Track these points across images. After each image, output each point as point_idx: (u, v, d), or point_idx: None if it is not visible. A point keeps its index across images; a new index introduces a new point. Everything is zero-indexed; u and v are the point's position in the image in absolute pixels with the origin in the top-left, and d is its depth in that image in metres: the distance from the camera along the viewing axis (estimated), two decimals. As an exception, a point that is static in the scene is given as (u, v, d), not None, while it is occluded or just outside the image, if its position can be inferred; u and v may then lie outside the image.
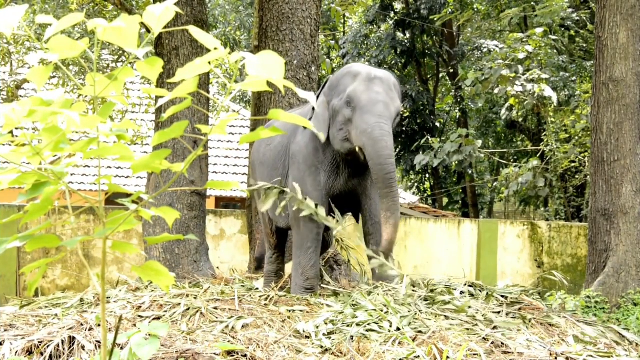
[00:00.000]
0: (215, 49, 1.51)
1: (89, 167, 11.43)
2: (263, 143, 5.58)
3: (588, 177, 10.06)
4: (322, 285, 5.23)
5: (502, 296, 4.91)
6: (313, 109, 5.06)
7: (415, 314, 4.29)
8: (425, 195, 18.62)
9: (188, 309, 4.28)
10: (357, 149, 4.78)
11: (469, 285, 5.13)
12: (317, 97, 5.09)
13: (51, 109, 1.53)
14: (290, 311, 4.41)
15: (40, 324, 4.16)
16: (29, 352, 3.60)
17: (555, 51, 12.48)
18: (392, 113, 4.82)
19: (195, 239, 6.01)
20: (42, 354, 3.56)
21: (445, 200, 18.37)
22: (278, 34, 6.54)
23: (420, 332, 4.01)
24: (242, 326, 4.05)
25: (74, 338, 3.65)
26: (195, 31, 1.53)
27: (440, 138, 13.47)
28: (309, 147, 5.10)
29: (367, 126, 4.70)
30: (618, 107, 6.64)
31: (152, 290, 4.94)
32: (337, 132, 4.92)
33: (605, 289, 6.42)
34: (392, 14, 15.89)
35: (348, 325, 4.03)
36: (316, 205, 5.03)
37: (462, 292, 4.95)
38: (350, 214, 5.49)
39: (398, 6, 16.43)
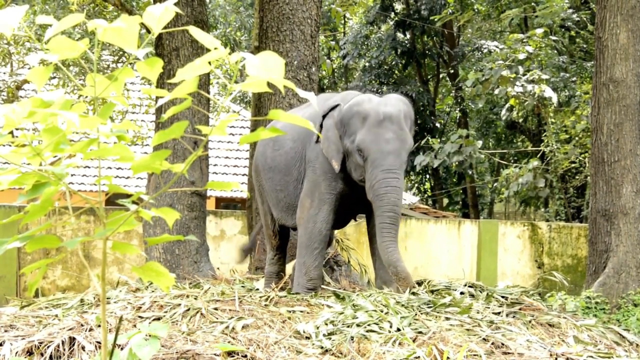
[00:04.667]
0: (216, 48, 1.51)
1: (89, 167, 11.42)
2: (269, 148, 5.54)
3: (588, 177, 10.05)
4: (323, 286, 5.23)
5: (503, 297, 4.91)
6: (321, 125, 5.05)
7: (416, 314, 4.29)
8: (426, 195, 18.62)
9: (188, 309, 4.28)
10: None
11: (469, 286, 5.14)
12: (326, 115, 5.09)
13: (51, 110, 1.53)
14: (290, 312, 4.41)
15: (40, 324, 4.16)
16: (29, 352, 3.60)
17: (555, 52, 12.48)
18: (404, 158, 4.88)
19: (196, 240, 6.01)
20: (42, 354, 3.56)
21: (445, 201, 18.37)
22: (278, 35, 6.54)
23: (420, 332, 4.01)
24: (243, 327, 4.05)
25: (74, 339, 3.65)
26: (195, 32, 1.53)
27: (441, 139, 13.47)
28: None
29: (375, 182, 4.78)
30: (618, 108, 6.63)
31: (153, 291, 4.94)
32: (354, 171, 5.00)
33: (606, 290, 6.42)
34: (392, 15, 15.89)
35: (348, 326, 4.03)
36: (327, 208, 5.06)
37: (462, 293, 4.95)
38: (363, 215, 5.51)
39: (398, 7, 16.42)
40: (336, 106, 5.07)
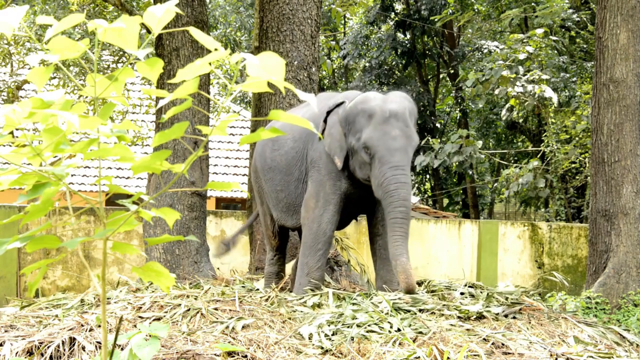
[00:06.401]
0: (216, 49, 1.51)
1: (89, 167, 11.43)
2: (268, 148, 5.53)
3: (588, 178, 10.05)
4: (322, 287, 5.23)
5: (503, 297, 4.91)
6: (325, 121, 5.05)
7: (415, 314, 4.29)
8: (426, 196, 18.62)
9: (188, 309, 4.28)
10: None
11: (470, 286, 5.14)
12: (330, 112, 5.07)
13: (51, 111, 1.53)
14: (290, 312, 4.42)
15: (40, 324, 4.17)
16: (30, 352, 3.60)
17: (555, 52, 12.48)
18: (410, 155, 4.86)
19: (196, 240, 6.00)
20: (42, 354, 3.56)
21: (445, 201, 18.37)
22: (278, 35, 6.54)
23: (420, 332, 4.01)
24: (243, 327, 4.05)
25: (74, 339, 3.66)
26: (195, 32, 1.53)
27: (441, 139, 13.47)
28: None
29: (384, 179, 4.74)
30: (618, 108, 6.63)
31: (153, 291, 4.94)
32: (358, 168, 4.96)
33: (606, 290, 6.41)
34: (392, 15, 15.89)
35: (348, 327, 4.03)
36: (332, 209, 5.05)
37: (462, 293, 4.95)
38: (364, 215, 5.50)
39: (398, 7, 16.42)
40: (341, 103, 5.06)
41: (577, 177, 11.36)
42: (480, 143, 11.08)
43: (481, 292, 5.02)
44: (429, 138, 11.78)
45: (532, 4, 12.22)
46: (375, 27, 16.24)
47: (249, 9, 15.90)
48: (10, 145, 1.71)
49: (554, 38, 12.03)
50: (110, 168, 11.37)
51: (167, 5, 1.51)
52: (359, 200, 5.18)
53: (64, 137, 1.61)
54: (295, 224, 5.44)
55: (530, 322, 4.45)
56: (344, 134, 4.96)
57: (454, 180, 17.78)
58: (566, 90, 11.67)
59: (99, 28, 1.52)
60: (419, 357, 3.53)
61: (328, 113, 5.06)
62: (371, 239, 5.30)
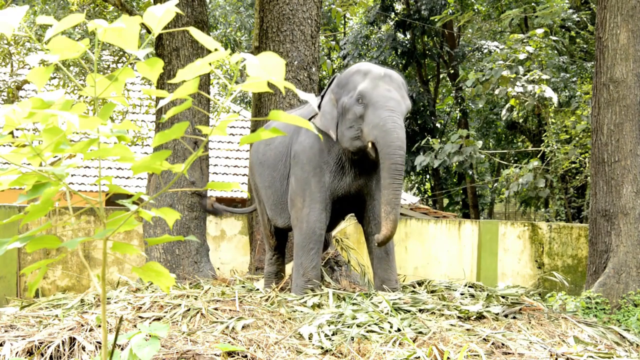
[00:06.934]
0: (216, 50, 1.51)
1: (89, 167, 11.42)
2: (262, 143, 5.55)
3: (588, 178, 10.04)
4: (323, 287, 5.22)
5: (503, 297, 4.91)
6: (318, 107, 5.04)
7: (415, 314, 4.29)
8: (426, 196, 18.61)
9: (188, 309, 4.29)
10: (369, 145, 4.74)
11: (470, 286, 5.14)
12: (323, 95, 5.07)
13: (51, 111, 1.53)
14: (290, 312, 4.42)
15: (40, 324, 4.17)
16: (30, 352, 3.60)
17: (555, 52, 12.48)
18: (403, 110, 4.81)
19: (196, 240, 6.01)
20: (42, 354, 3.56)
21: (445, 201, 18.37)
22: (278, 35, 6.54)
23: (420, 332, 4.01)
24: (243, 327, 4.05)
25: (74, 339, 3.66)
26: (195, 32, 1.54)
27: (441, 139, 13.47)
28: (314, 148, 5.07)
29: (380, 120, 4.67)
30: (618, 108, 6.63)
31: (153, 291, 4.94)
32: (347, 129, 4.87)
33: (606, 290, 6.41)
34: (392, 15, 15.89)
35: (348, 327, 4.03)
36: (319, 207, 5.03)
37: (462, 293, 4.95)
38: (353, 214, 5.48)
39: (398, 7, 16.42)
40: (332, 81, 5.09)
41: (577, 177, 11.36)
42: (480, 143, 11.08)
43: (481, 292, 5.03)
44: (429, 138, 11.78)
45: (532, 4, 12.22)
46: (375, 27, 16.24)
47: (249, 9, 15.90)
48: (10, 145, 1.71)
49: (554, 38, 12.03)
50: (110, 168, 11.36)
51: (167, 5, 1.51)
52: (346, 198, 5.13)
53: (64, 137, 1.61)
54: (284, 224, 5.42)
55: (530, 322, 4.45)
56: (336, 101, 4.95)
57: (454, 180, 17.78)
58: (566, 90, 11.67)
59: (99, 28, 1.52)
60: (419, 357, 3.53)
61: (322, 97, 5.06)
62: (367, 239, 5.28)
